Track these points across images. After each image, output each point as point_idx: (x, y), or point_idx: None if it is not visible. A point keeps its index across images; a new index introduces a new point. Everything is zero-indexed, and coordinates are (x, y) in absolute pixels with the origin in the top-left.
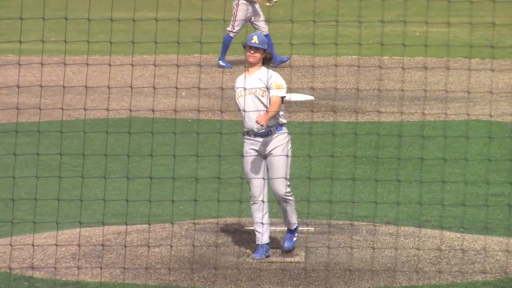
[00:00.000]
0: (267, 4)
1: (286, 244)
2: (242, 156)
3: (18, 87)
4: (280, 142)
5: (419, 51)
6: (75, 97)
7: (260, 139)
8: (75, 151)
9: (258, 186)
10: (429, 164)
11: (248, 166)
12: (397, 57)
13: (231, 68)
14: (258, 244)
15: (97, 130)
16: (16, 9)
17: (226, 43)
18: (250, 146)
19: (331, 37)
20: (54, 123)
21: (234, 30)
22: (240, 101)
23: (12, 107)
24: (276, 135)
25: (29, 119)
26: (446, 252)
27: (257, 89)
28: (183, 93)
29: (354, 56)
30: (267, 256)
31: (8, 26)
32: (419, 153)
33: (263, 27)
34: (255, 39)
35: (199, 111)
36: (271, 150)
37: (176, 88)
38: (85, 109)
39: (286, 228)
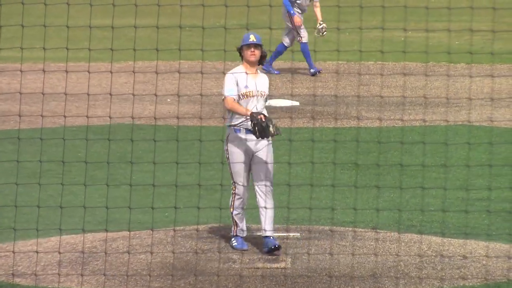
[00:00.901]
0: (316, 34)
1: (273, 243)
2: (227, 155)
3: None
4: (268, 140)
5: (402, 56)
6: (60, 104)
7: (253, 136)
8: (60, 158)
9: (245, 185)
10: (411, 169)
11: (238, 165)
12: (380, 62)
13: (317, 74)
14: (236, 236)
15: (82, 136)
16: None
17: (307, 52)
18: (242, 146)
19: (314, 43)
20: (38, 130)
21: (303, 36)
22: (249, 100)
23: None
24: None
25: (14, 126)
26: (430, 257)
27: (265, 93)
28: (169, 100)
29: (336, 62)
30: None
31: None
32: (401, 158)
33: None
34: (252, 38)
35: (177, 118)
36: (262, 147)
37: (155, 95)
38: (64, 116)
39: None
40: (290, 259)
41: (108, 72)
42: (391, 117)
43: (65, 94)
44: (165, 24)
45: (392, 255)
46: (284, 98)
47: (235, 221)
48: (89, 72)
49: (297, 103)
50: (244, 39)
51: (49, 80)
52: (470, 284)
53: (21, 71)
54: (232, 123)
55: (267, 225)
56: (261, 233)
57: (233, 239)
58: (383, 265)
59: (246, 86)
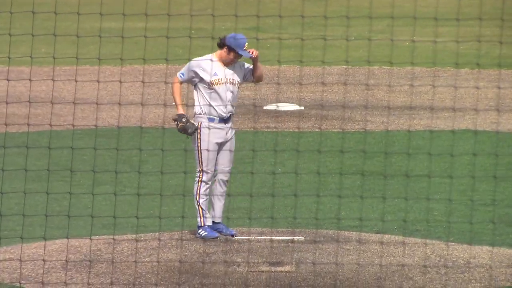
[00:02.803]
0: None
1: (230, 232)
2: (198, 143)
3: (24, 101)
4: (233, 129)
5: (409, 61)
6: (65, 107)
7: (224, 125)
8: (65, 161)
9: (212, 172)
10: (416, 175)
11: (209, 154)
12: (386, 67)
13: None
14: (204, 226)
15: (87, 140)
16: (6, 20)
17: None
18: (214, 134)
19: (320, 47)
20: (44, 133)
21: None
22: (218, 89)
23: (1, 117)
24: (231, 121)
25: (20, 129)
26: (434, 261)
27: (237, 81)
28: (173, 103)
29: (343, 66)
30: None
31: None
32: (407, 163)
33: None
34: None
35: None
36: (231, 135)
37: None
38: (73, 125)
39: (218, 221)
40: (295, 263)
41: (115, 75)
42: (396, 122)
43: (74, 102)
44: (171, 26)
45: (397, 258)
46: (288, 102)
47: (202, 210)
48: (98, 81)
49: (301, 107)
50: (239, 45)
51: (55, 83)
52: None
53: (30, 80)
54: (206, 112)
55: (221, 212)
56: (213, 219)
57: (200, 230)
58: (387, 269)
59: (215, 73)
